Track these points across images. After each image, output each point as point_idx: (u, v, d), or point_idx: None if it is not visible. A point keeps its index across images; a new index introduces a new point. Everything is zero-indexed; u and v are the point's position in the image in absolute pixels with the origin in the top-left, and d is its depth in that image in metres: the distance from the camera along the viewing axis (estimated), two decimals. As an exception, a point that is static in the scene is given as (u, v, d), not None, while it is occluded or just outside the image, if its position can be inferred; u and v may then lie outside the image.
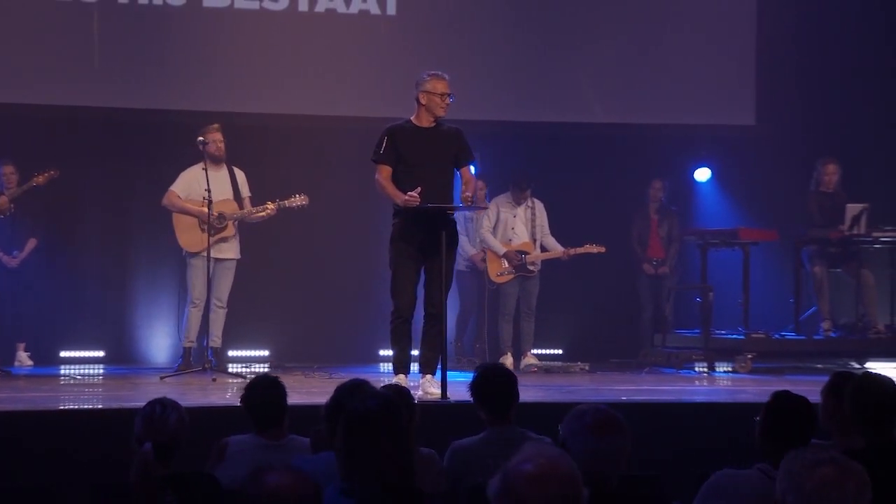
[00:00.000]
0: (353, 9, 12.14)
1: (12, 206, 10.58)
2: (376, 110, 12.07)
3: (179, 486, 4.26)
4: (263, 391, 5.27)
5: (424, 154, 8.09)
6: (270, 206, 10.14)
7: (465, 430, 5.45)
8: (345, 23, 12.12)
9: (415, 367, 8.20)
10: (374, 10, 12.17)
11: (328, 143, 11.99)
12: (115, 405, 7.41)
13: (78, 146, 11.55)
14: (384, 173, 8.18)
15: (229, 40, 11.87)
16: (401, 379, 7.98)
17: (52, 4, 11.55)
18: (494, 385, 5.35)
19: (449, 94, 8.16)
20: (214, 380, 9.39)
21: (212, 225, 10.05)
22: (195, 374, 9.77)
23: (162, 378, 9.55)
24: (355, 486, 3.07)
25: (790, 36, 12.71)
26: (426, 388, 7.88)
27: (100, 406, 7.30)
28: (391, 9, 12.18)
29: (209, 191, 9.76)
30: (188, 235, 10.37)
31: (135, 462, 4.23)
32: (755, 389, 8.64)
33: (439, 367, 7.80)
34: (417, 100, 8.23)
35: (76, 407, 7.25)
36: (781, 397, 4.45)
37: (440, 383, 7.62)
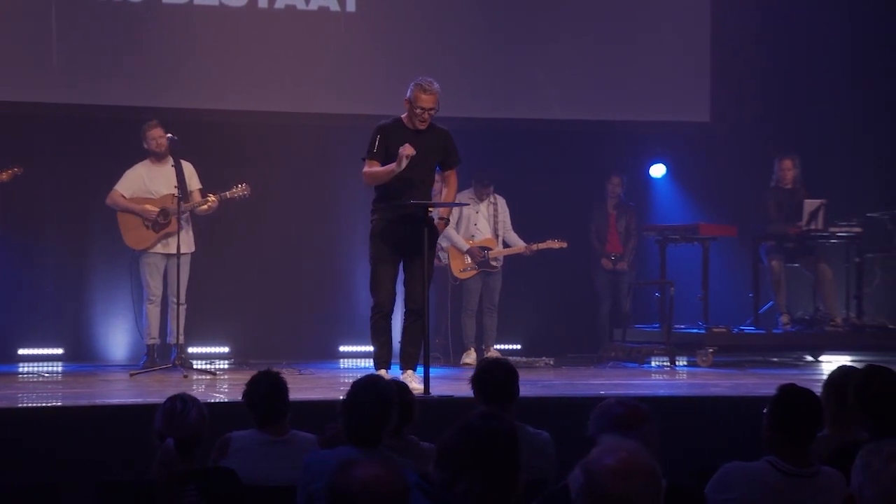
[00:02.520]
0: (313, 5, 12.14)
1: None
2: (336, 107, 12.12)
3: (201, 481, 4.28)
4: (266, 387, 5.30)
5: (416, 154, 8.09)
6: (212, 197, 10.15)
7: (445, 423, 5.51)
8: (304, 19, 12.12)
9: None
10: (334, 6, 12.17)
11: (288, 139, 11.98)
12: (99, 402, 7.38)
13: (34, 142, 11.45)
14: (371, 166, 8.25)
15: (188, 37, 11.82)
16: (381, 374, 8.03)
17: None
18: (496, 379, 5.40)
19: (431, 110, 8.18)
20: (185, 376, 9.37)
21: (157, 222, 10.10)
22: (164, 371, 9.74)
23: (132, 375, 9.53)
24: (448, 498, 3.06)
25: (745, 33, 12.89)
26: (408, 383, 7.91)
27: (85, 403, 7.25)
28: (350, 5, 12.19)
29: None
30: (133, 234, 10.38)
31: (157, 457, 4.25)
32: (727, 383, 8.78)
33: (420, 363, 7.87)
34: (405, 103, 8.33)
35: (59, 404, 7.20)
36: (788, 390, 4.52)
37: (422, 378, 7.67)
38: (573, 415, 6.46)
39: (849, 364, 5.50)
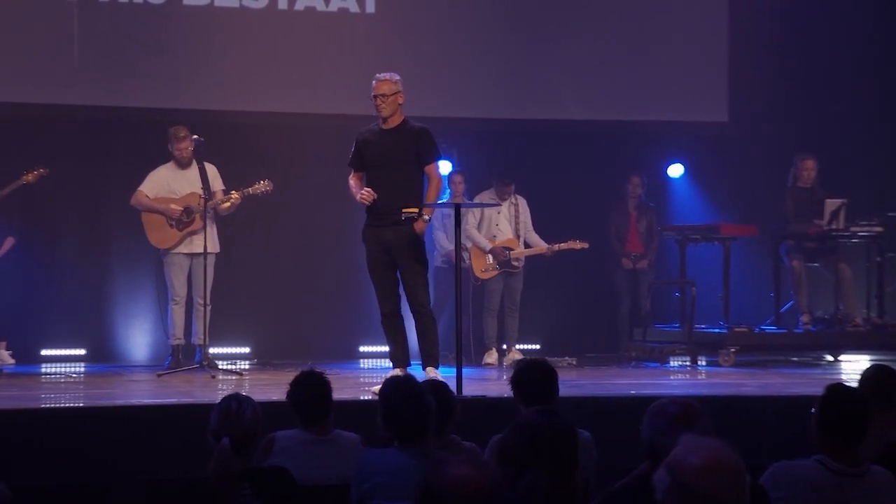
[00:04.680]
0: (333, 6, 12.18)
1: (-5, 205, 10.54)
2: (356, 108, 12.07)
3: (256, 480, 4.31)
4: (310, 387, 5.32)
5: (383, 155, 8.21)
6: (235, 194, 10.15)
7: (478, 423, 5.57)
8: (324, 20, 12.16)
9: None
10: (353, 7, 12.22)
11: (308, 140, 12.00)
12: (136, 402, 7.42)
13: (56, 144, 11.47)
14: (353, 178, 8.43)
15: (209, 38, 11.87)
16: (396, 372, 8.07)
17: (31, 2, 11.47)
18: (535, 379, 5.43)
19: (374, 96, 8.27)
20: (213, 377, 9.39)
21: (180, 220, 10.15)
22: (191, 371, 9.77)
23: (159, 375, 9.57)
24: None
25: (763, 32, 12.89)
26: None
27: (121, 403, 7.30)
28: (370, 7, 12.23)
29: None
30: (158, 233, 10.41)
31: (214, 457, 4.28)
32: (754, 383, 8.80)
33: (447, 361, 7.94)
34: None
35: (99, 404, 7.24)
36: (837, 390, 4.55)
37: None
38: (608, 414, 6.54)
39: (882, 363, 5.52)
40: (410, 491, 4.53)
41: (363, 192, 8.12)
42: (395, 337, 8.38)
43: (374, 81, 8.32)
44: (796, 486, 4.34)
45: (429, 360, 8.17)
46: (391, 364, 8.48)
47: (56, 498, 5.04)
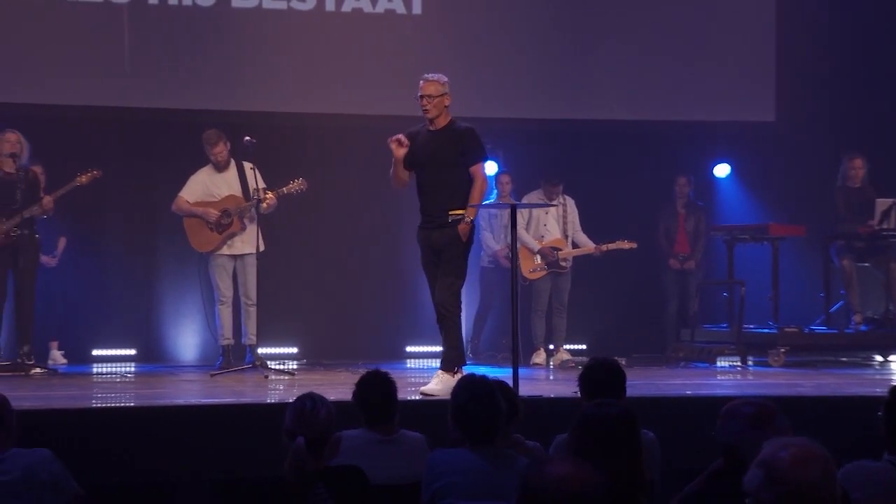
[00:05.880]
0: (380, 8, 12.24)
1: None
2: (402, 109, 12.12)
3: (331, 479, 4.35)
4: (376, 387, 5.35)
5: (428, 156, 8.16)
6: (269, 194, 10.16)
7: (537, 423, 5.61)
8: (371, 22, 12.22)
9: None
10: (400, 9, 12.27)
11: (356, 141, 12.03)
12: (195, 402, 7.49)
13: (105, 146, 11.57)
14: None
15: (257, 40, 11.94)
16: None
17: (82, 6, 11.57)
18: (602, 378, 5.43)
19: (420, 97, 8.21)
20: (266, 377, 9.44)
21: (219, 223, 10.22)
22: (243, 371, 9.83)
23: (212, 375, 9.63)
24: None
25: (810, 31, 12.84)
26: (431, 382, 7.94)
27: (181, 403, 7.36)
28: (417, 8, 12.28)
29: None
30: (198, 237, 10.47)
31: (289, 456, 4.32)
32: (809, 383, 8.77)
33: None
34: None
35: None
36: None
37: (441, 380, 7.80)
38: (668, 415, 6.54)
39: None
40: (481, 491, 4.59)
41: (393, 139, 8.12)
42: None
43: (421, 82, 8.29)
44: (871, 486, 4.33)
45: (445, 363, 8.02)
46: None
47: (126, 496, 5.10)
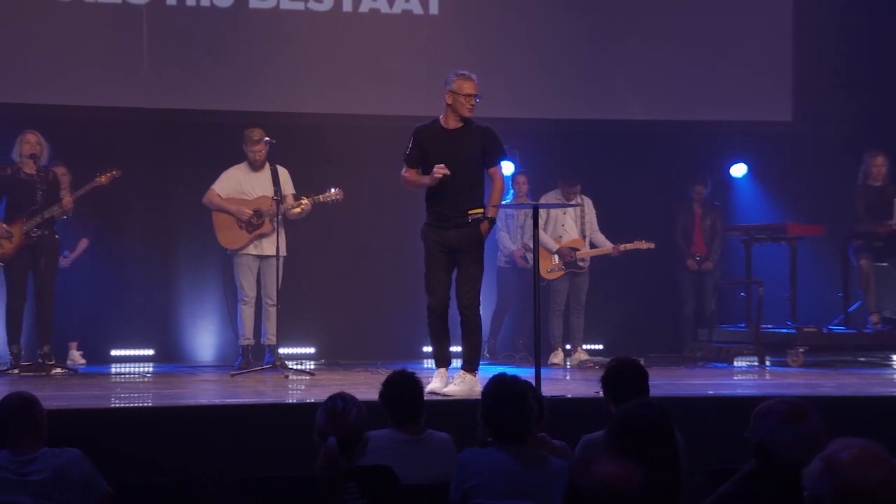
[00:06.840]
0: (396, 8, 12.25)
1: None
2: (419, 109, 12.14)
3: (362, 478, 4.37)
4: (402, 387, 5.37)
5: (448, 155, 8.00)
6: (305, 200, 10.22)
7: (560, 422, 5.61)
8: (388, 22, 12.23)
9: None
10: (417, 9, 12.28)
11: (372, 141, 12.05)
12: (218, 402, 7.51)
13: (125, 146, 11.60)
14: (409, 173, 8.27)
15: (275, 41, 11.96)
16: (441, 373, 8.05)
17: (101, 7, 11.61)
18: (627, 378, 5.44)
19: (475, 96, 8.08)
20: (286, 377, 9.46)
21: (250, 223, 10.23)
22: (263, 371, 9.85)
23: (233, 375, 9.65)
24: None
25: (827, 30, 12.81)
26: (452, 383, 7.93)
27: (205, 402, 7.38)
28: (433, 8, 12.29)
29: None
30: (227, 233, 10.49)
31: (321, 455, 4.34)
32: (830, 383, 8.76)
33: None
34: (445, 99, 8.19)
35: (187, 403, 7.33)
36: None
37: (464, 380, 7.83)
38: (690, 415, 6.54)
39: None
40: (512, 491, 4.61)
41: (437, 168, 7.89)
42: (440, 337, 8.19)
43: (471, 80, 8.12)
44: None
45: (468, 364, 8.01)
46: (435, 364, 8.26)
47: (155, 495, 5.11)
